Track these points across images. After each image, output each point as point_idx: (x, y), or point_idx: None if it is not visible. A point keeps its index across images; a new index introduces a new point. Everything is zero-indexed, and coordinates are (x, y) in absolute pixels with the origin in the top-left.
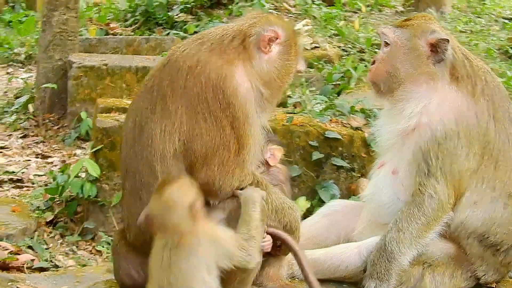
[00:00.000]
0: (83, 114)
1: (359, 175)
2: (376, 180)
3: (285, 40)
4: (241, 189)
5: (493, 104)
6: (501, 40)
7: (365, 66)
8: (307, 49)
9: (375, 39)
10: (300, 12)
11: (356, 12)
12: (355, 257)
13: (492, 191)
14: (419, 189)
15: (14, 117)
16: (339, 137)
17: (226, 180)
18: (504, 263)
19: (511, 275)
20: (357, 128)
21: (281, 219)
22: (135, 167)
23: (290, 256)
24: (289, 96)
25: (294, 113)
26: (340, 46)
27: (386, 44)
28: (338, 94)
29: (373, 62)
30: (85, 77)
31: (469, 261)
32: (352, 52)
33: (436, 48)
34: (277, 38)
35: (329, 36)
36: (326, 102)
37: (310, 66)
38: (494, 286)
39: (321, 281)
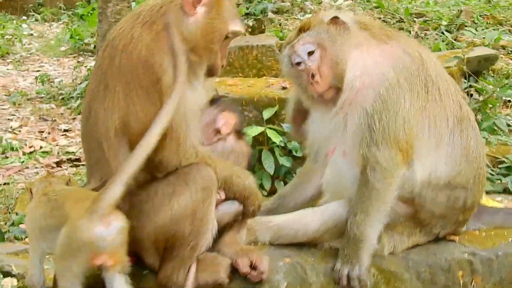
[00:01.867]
0: None
1: None
2: (331, 167)
3: (209, 2)
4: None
5: (412, 41)
6: None
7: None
8: None
9: (414, 8)
10: None
11: None
12: (314, 222)
13: (446, 123)
14: (362, 164)
15: (78, 102)
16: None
17: (164, 155)
18: (463, 220)
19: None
20: None
21: (230, 188)
22: (87, 145)
23: (251, 223)
24: None
25: None
26: (380, 18)
27: (310, 53)
28: None
29: (313, 76)
30: None
31: (428, 221)
32: (392, 23)
33: (337, 24)
34: (199, 1)
35: (369, 9)
36: None
37: None
38: (456, 240)
39: (284, 245)
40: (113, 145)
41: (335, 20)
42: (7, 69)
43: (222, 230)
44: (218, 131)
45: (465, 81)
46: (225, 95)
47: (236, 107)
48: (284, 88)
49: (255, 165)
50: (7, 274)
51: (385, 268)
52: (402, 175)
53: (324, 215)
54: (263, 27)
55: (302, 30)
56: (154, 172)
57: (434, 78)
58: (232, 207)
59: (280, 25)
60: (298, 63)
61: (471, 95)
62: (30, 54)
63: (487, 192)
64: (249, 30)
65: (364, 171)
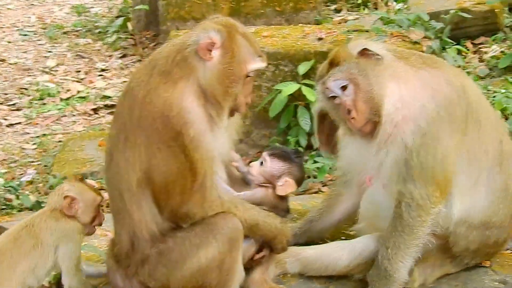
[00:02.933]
0: (172, 33)
1: None
2: (368, 196)
3: (222, 43)
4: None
5: (449, 67)
6: None
7: None
8: None
9: None
10: None
11: None
12: (344, 257)
13: (486, 157)
14: (397, 199)
15: (114, 37)
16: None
17: (189, 207)
18: (494, 252)
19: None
20: (415, 42)
21: (257, 233)
22: (110, 192)
23: (281, 255)
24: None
25: (355, 31)
26: None
27: (343, 87)
28: None
29: (349, 112)
30: None
31: (459, 253)
32: None
33: (367, 55)
34: (213, 45)
35: None
36: (383, 18)
37: None
38: (488, 265)
39: (313, 277)
40: (135, 196)
41: (364, 52)
42: None
43: (249, 269)
44: (272, 184)
45: (509, 15)
46: (299, 155)
47: (302, 175)
48: (320, 39)
49: (290, 122)
50: None
51: None
52: (438, 213)
53: (355, 250)
54: None
55: (332, 64)
56: (179, 223)
57: (475, 110)
58: (250, 246)
59: None
60: (334, 97)
61: None
62: None
63: None
64: None
65: (399, 206)
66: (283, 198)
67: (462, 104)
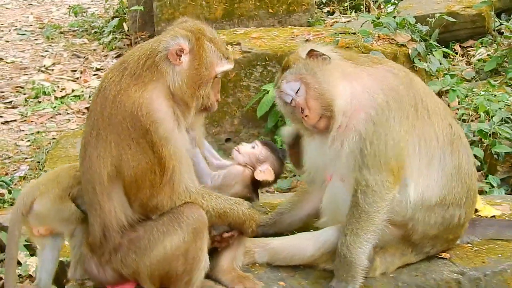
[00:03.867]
0: None
1: None
2: (329, 191)
3: (191, 49)
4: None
5: (395, 64)
6: None
7: None
8: None
9: None
10: None
11: None
12: (309, 247)
13: (436, 142)
14: (354, 188)
15: (110, 37)
16: (383, 56)
17: (159, 200)
18: (454, 238)
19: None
20: (401, 45)
21: (225, 220)
22: (84, 185)
23: (250, 245)
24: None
25: (342, 33)
26: None
27: (296, 90)
28: None
29: (302, 111)
30: None
31: (419, 241)
32: None
33: (314, 56)
34: (182, 50)
35: None
36: (372, 21)
37: None
38: (447, 257)
39: (280, 267)
40: (107, 189)
41: (311, 53)
42: None
43: (216, 257)
44: (253, 167)
45: (497, 19)
46: (285, 156)
47: (280, 172)
48: (307, 40)
49: (278, 121)
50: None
51: None
52: (393, 198)
53: (319, 240)
54: None
55: (284, 69)
56: (149, 214)
57: (423, 97)
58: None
59: None
60: (289, 101)
61: (502, 33)
62: None
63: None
64: None
65: (355, 194)
66: (257, 184)
67: (410, 93)
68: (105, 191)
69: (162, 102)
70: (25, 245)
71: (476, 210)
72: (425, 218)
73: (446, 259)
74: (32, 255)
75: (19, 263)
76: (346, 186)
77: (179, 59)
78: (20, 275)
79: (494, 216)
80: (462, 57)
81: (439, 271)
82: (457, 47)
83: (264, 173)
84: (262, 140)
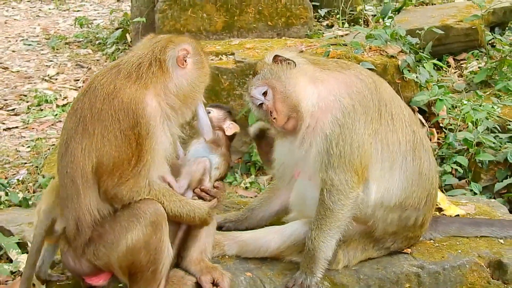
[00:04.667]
0: None
1: None
2: (297, 188)
3: (195, 53)
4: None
5: (362, 68)
6: None
7: None
8: None
9: None
10: None
11: None
12: (275, 240)
13: (398, 147)
14: (321, 187)
15: (113, 48)
16: (373, 67)
17: (121, 189)
18: (414, 236)
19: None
20: (392, 56)
21: (180, 220)
22: (62, 181)
23: (220, 238)
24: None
25: (333, 44)
26: None
27: (264, 93)
28: (398, 11)
29: (270, 113)
30: (170, 10)
31: (381, 237)
32: None
33: (280, 61)
34: (188, 53)
35: None
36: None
37: None
38: (408, 252)
39: (249, 258)
40: (88, 182)
41: (276, 58)
42: (49, 9)
43: (187, 249)
44: (221, 129)
45: (490, 33)
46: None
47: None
48: (301, 51)
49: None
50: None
51: (337, 282)
52: (357, 197)
53: (284, 234)
54: None
55: (253, 75)
56: (110, 202)
57: (388, 103)
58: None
59: None
60: (260, 105)
61: (494, 46)
62: None
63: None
64: None
65: (322, 192)
66: (231, 140)
67: (375, 98)
68: (86, 184)
69: (156, 102)
70: (17, 243)
71: (440, 209)
72: (384, 217)
73: (407, 253)
74: (23, 252)
75: (10, 260)
76: (313, 184)
77: (185, 62)
78: (12, 271)
79: (458, 215)
80: (455, 69)
81: (400, 264)
82: (450, 59)
83: (231, 127)
84: (211, 104)
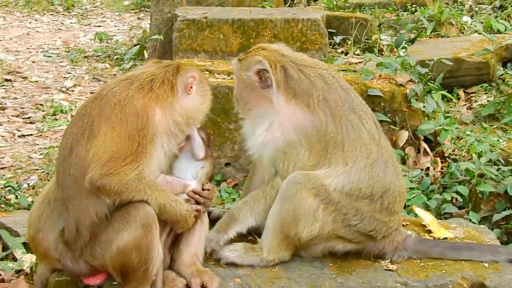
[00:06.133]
0: (187, 62)
1: (400, 128)
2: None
3: (200, 80)
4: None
5: (329, 106)
6: None
7: (451, 10)
8: None
9: None
10: None
11: None
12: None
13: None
14: (267, 181)
15: (131, 63)
16: (381, 94)
17: (108, 181)
18: (384, 211)
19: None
20: (400, 85)
21: (163, 214)
22: (63, 182)
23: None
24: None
25: (343, 70)
26: None
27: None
28: (412, 42)
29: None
30: (187, 29)
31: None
32: None
33: (261, 76)
34: (194, 80)
35: None
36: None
37: (404, 9)
38: (394, 269)
39: (239, 266)
40: None
41: (259, 70)
42: (70, 23)
43: (179, 252)
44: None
45: (501, 68)
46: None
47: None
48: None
49: None
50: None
51: None
52: None
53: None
54: None
55: (243, 56)
56: (97, 194)
57: (341, 137)
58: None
59: None
60: None
61: (504, 80)
62: (94, 7)
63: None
64: None
65: (266, 185)
66: (208, 139)
67: (322, 138)
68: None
69: (164, 115)
70: (23, 243)
71: (430, 231)
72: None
73: (393, 271)
74: (28, 253)
75: (15, 259)
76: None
77: (191, 89)
78: (16, 270)
79: (446, 238)
80: (465, 102)
81: (384, 280)
82: (460, 92)
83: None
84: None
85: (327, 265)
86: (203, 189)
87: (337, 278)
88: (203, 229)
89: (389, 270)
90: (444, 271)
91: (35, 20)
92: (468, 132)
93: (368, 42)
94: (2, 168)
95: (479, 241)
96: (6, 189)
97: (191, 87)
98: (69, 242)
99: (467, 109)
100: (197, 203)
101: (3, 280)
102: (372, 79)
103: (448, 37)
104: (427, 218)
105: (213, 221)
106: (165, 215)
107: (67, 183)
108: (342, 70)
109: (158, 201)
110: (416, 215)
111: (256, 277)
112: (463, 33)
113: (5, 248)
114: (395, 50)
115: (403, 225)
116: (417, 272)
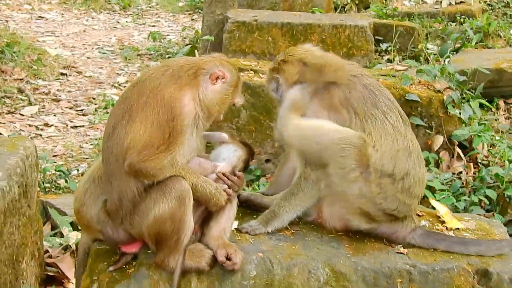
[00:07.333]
0: (236, 62)
1: (435, 133)
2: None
3: (229, 82)
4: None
5: (352, 105)
6: None
7: (499, 22)
8: (451, 4)
9: None
10: None
11: None
12: None
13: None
14: (299, 174)
15: None
16: (418, 99)
17: (144, 166)
18: (405, 192)
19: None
20: (438, 91)
21: (194, 194)
22: (107, 158)
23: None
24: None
25: (383, 75)
26: (486, 1)
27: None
28: (456, 51)
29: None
30: (238, 31)
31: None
32: (497, 7)
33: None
34: (223, 78)
35: None
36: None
37: (452, 20)
38: (405, 252)
39: (264, 242)
40: None
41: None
42: (126, 22)
43: (208, 226)
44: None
45: None
46: None
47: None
48: None
49: None
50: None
51: (337, 270)
52: None
53: None
54: (368, 1)
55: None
56: (135, 176)
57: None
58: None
59: (386, 0)
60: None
61: None
62: (150, 7)
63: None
64: (355, 2)
65: (298, 178)
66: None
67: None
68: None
69: (191, 103)
70: (70, 223)
71: (443, 222)
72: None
73: (404, 254)
74: (74, 230)
75: (61, 235)
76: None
77: (216, 81)
78: (62, 244)
79: (458, 228)
80: (504, 112)
81: (395, 261)
82: (501, 102)
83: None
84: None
85: (343, 245)
86: (234, 174)
87: (351, 258)
88: (232, 209)
89: (400, 253)
90: (451, 257)
91: (92, 18)
92: (497, 138)
93: (414, 51)
94: (54, 156)
95: (489, 233)
96: (57, 174)
97: (216, 80)
98: (111, 212)
99: (505, 118)
100: (226, 185)
101: (50, 256)
102: (411, 84)
103: (493, 48)
104: (442, 210)
105: (241, 202)
106: (197, 194)
107: (110, 160)
108: (382, 75)
109: (190, 181)
110: (433, 208)
111: (277, 252)
112: (510, 45)
113: (53, 228)
114: (441, 59)
115: (419, 215)
116: (426, 256)
